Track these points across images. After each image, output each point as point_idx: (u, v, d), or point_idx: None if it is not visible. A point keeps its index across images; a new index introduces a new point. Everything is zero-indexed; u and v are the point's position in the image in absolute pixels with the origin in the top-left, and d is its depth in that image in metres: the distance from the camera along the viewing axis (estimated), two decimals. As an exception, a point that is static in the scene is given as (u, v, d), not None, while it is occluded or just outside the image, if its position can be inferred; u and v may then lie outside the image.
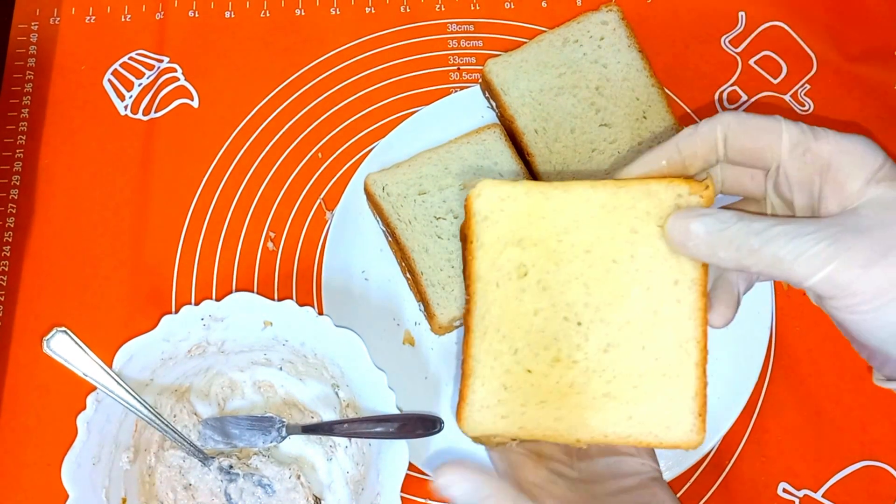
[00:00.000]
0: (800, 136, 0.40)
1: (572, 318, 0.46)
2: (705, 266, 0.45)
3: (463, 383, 0.47)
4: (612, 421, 0.46)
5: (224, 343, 0.57)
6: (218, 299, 0.55)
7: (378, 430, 0.53)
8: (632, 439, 0.45)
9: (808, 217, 0.40)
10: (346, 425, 0.54)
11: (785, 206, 0.44)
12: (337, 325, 0.55)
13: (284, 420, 0.58)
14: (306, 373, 0.60)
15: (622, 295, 0.46)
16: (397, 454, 0.53)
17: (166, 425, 0.53)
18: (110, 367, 0.52)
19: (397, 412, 0.54)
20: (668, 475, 0.60)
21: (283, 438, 0.57)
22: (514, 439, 0.47)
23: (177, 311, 0.55)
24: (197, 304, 0.55)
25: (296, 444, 0.59)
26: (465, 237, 0.49)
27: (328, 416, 0.59)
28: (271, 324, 0.56)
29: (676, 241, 0.43)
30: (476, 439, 0.48)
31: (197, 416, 0.59)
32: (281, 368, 0.60)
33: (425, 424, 0.53)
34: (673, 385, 0.45)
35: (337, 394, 0.59)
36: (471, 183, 0.49)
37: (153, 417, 0.52)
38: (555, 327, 0.46)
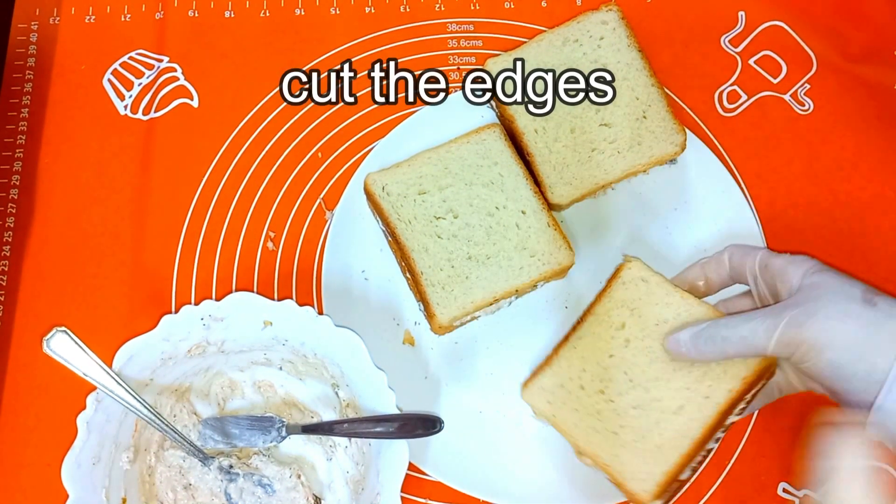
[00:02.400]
0: (763, 259, 0.55)
1: (628, 373, 0.58)
2: (745, 387, 0.55)
3: (544, 362, 0.60)
4: (607, 451, 0.56)
5: (224, 343, 0.57)
6: (218, 299, 0.55)
7: (378, 430, 0.53)
8: (609, 470, 0.55)
9: (761, 307, 0.53)
10: (346, 425, 0.54)
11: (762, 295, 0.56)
12: (337, 325, 0.55)
13: (284, 420, 0.58)
14: (306, 373, 0.60)
15: (668, 376, 0.57)
16: (397, 454, 0.53)
17: (166, 425, 0.53)
18: (110, 367, 0.52)
19: (397, 412, 0.54)
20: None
21: (283, 438, 0.57)
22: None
23: (177, 311, 0.55)
24: (197, 303, 0.55)
25: (296, 444, 0.59)
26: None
27: (328, 416, 0.59)
28: (271, 324, 0.56)
29: (673, 351, 0.56)
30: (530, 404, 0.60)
31: (197, 416, 0.59)
32: (281, 368, 0.60)
33: (425, 424, 0.53)
34: (658, 452, 0.55)
35: (337, 394, 0.59)
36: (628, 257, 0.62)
37: (153, 417, 0.52)
38: (616, 375, 0.58)
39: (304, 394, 0.60)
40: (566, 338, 0.60)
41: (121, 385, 0.51)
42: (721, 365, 0.55)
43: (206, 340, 0.56)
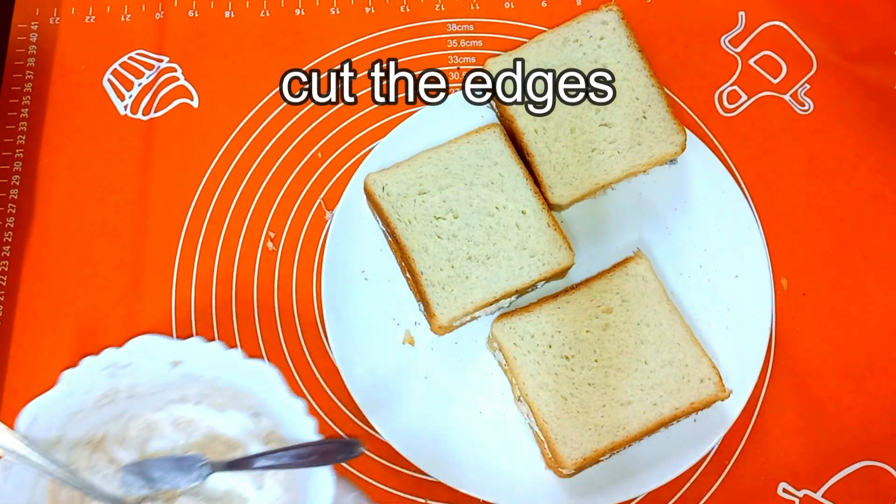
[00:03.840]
0: None
1: (596, 353, 0.62)
2: (690, 410, 0.60)
3: (526, 308, 0.63)
4: (550, 410, 0.59)
5: (134, 387, 0.54)
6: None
7: (299, 460, 0.52)
8: (545, 427, 0.59)
9: None
10: (267, 457, 0.52)
11: None
12: (248, 358, 0.53)
13: (205, 457, 0.55)
14: (225, 404, 0.57)
15: (629, 372, 0.61)
16: (322, 479, 0.51)
17: (80, 482, 0.51)
18: (13, 429, 0.49)
19: (319, 438, 0.52)
20: (669, 475, 0.60)
21: (207, 476, 0.54)
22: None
23: (76, 365, 0.52)
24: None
25: (223, 479, 0.55)
26: None
27: (253, 446, 0.56)
28: (180, 362, 0.54)
29: None
30: None
31: (117, 464, 0.55)
32: (198, 403, 0.57)
33: (346, 449, 0.52)
34: (595, 431, 0.59)
35: (258, 424, 0.56)
36: None
37: (66, 476, 0.50)
38: (585, 350, 0.62)
39: (225, 426, 0.57)
40: (555, 296, 0.63)
41: (29, 448, 0.48)
42: (677, 383, 0.60)
43: (113, 389, 0.54)
